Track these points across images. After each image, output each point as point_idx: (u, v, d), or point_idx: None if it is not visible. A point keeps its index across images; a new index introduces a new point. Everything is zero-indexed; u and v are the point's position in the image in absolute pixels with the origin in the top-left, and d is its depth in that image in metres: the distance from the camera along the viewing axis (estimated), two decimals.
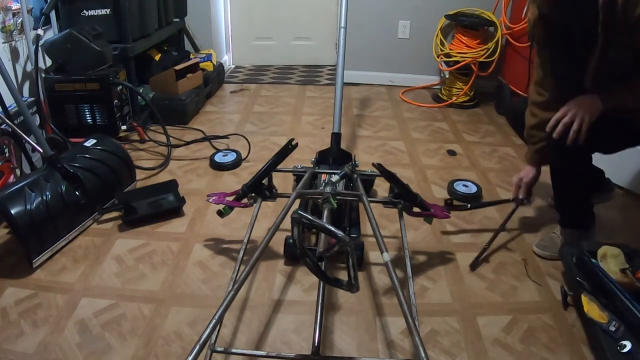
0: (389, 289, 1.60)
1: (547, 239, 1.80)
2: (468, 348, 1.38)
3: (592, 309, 1.37)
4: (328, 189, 1.54)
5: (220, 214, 1.70)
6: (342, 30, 2.76)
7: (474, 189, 2.15)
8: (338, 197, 1.57)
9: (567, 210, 1.78)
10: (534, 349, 1.38)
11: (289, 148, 1.72)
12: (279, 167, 1.75)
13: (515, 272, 1.70)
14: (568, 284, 1.56)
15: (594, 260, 1.50)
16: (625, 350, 1.25)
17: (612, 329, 1.30)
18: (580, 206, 1.75)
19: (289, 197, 1.55)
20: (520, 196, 1.83)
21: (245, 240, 1.58)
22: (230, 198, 1.72)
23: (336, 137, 2.14)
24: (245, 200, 1.73)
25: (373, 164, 1.71)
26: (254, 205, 1.73)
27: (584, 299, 1.41)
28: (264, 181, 1.74)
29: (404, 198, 1.69)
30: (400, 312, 1.49)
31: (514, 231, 1.91)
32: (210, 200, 1.73)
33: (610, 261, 1.50)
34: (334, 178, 1.60)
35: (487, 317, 1.49)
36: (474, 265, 1.71)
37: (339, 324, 1.46)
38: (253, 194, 1.73)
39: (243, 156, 2.44)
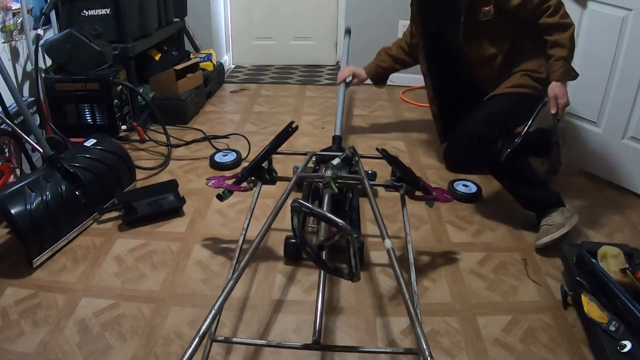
0: (389, 289, 1.60)
1: (541, 231, 1.83)
2: (468, 348, 1.38)
3: (592, 309, 1.37)
4: (329, 173, 1.53)
5: (220, 197, 1.68)
6: (347, 37, 2.90)
7: (474, 188, 2.15)
8: (339, 181, 1.56)
9: (528, 196, 1.90)
10: (534, 349, 1.38)
11: (288, 131, 1.71)
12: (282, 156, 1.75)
13: (515, 272, 1.70)
14: (568, 284, 1.56)
15: (594, 260, 1.50)
16: (625, 350, 1.25)
17: (612, 329, 1.30)
18: (534, 184, 1.89)
19: (289, 180, 1.55)
20: (347, 80, 2.60)
21: (245, 226, 1.58)
22: (230, 182, 1.71)
23: (338, 139, 2.15)
24: (244, 184, 1.72)
25: (377, 149, 1.72)
26: (254, 189, 1.72)
27: (584, 299, 1.41)
28: (263, 165, 1.73)
29: (407, 182, 1.67)
30: (400, 312, 1.50)
31: (514, 231, 1.91)
32: (210, 183, 1.71)
33: (610, 261, 1.50)
34: (335, 161, 1.60)
35: (487, 317, 1.49)
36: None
37: (339, 324, 1.46)
38: (253, 178, 1.72)
39: (243, 156, 2.44)
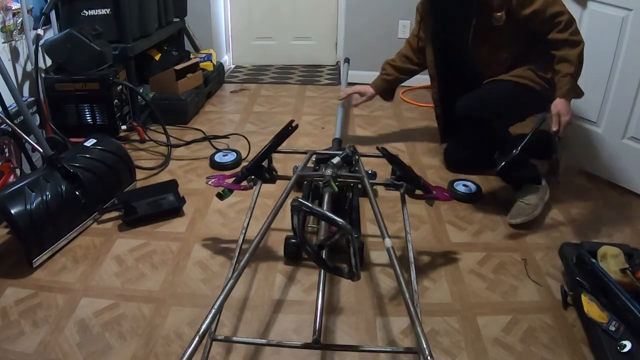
0: (389, 289, 1.60)
1: (516, 208, 1.90)
2: (468, 348, 1.38)
3: (592, 309, 1.37)
4: (329, 172, 1.53)
5: (220, 196, 1.68)
6: (346, 65, 2.96)
7: (474, 188, 2.15)
8: (339, 180, 1.56)
9: (512, 174, 1.95)
10: (534, 349, 1.38)
11: (288, 129, 1.71)
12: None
13: (515, 272, 1.70)
14: (568, 284, 1.56)
15: (594, 260, 1.50)
16: (625, 350, 1.25)
17: (612, 329, 1.30)
18: (518, 162, 1.90)
19: (289, 179, 1.55)
20: (354, 101, 2.57)
21: (245, 226, 1.58)
22: (230, 180, 1.71)
23: (338, 141, 2.16)
24: (244, 183, 1.72)
25: (377, 147, 1.72)
26: (254, 187, 1.73)
27: (584, 299, 1.41)
28: (263, 163, 1.73)
29: (407, 181, 1.67)
30: (400, 312, 1.50)
31: (514, 231, 1.91)
32: (210, 182, 1.71)
33: (610, 261, 1.50)
34: (335, 160, 1.60)
35: (487, 317, 1.49)
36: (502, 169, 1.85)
37: (339, 324, 1.46)
38: (253, 177, 1.72)
39: (243, 156, 2.44)
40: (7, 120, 1.88)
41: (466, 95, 2.02)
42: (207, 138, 2.63)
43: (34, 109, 2.27)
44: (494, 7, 1.91)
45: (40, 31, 2.34)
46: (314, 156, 1.89)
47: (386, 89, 2.53)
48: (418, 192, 1.69)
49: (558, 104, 1.79)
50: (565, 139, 2.21)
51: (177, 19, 3.33)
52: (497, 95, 1.99)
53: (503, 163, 1.84)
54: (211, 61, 3.35)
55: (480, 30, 1.98)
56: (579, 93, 1.87)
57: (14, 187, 1.65)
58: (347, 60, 3.21)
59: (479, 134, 1.97)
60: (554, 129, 1.79)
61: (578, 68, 1.80)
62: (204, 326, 0.95)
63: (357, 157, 1.73)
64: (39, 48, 2.33)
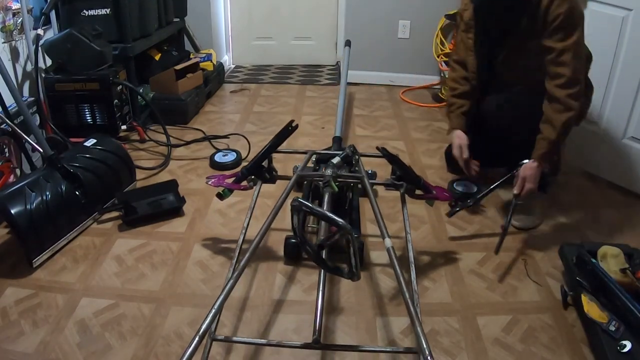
0: (389, 289, 1.60)
1: (519, 211, 1.87)
2: (468, 348, 1.38)
3: (592, 309, 1.37)
4: (329, 172, 1.53)
5: (220, 196, 1.69)
6: (347, 48, 2.89)
7: (474, 188, 2.15)
8: (339, 180, 1.57)
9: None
10: (534, 349, 1.38)
11: (288, 129, 1.72)
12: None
13: (515, 272, 1.70)
14: (568, 284, 1.56)
15: (594, 260, 1.50)
16: (625, 350, 1.25)
17: (612, 329, 1.31)
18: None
19: (289, 179, 1.55)
20: (465, 156, 1.98)
21: (245, 226, 1.58)
22: (230, 180, 1.71)
23: (338, 140, 2.15)
24: (244, 183, 1.72)
25: (377, 147, 1.72)
26: (254, 187, 1.73)
27: (584, 298, 1.41)
28: (263, 163, 1.73)
29: (407, 181, 1.67)
30: (400, 312, 1.50)
31: (514, 231, 1.91)
32: (210, 182, 1.71)
33: (610, 261, 1.50)
34: (335, 160, 1.60)
35: (487, 317, 1.49)
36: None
37: (339, 324, 1.46)
38: (253, 177, 1.72)
39: (243, 156, 2.44)
40: (7, 120, 1.88)
41: (497, 94, 1.96)
42: (207, 138, 2.63)
43: (34, 109, 2.27)
44: (537, 34, 1.74)
45: (40, 31, 2.34)
46: (314, 156, 1.89)
47: (466, 121, 2.10)
48: (418, 192, 1.69)
49: (527, 169, 1.72)
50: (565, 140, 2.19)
51: (177, 19, 3.33)
52: (525, 99, 1.90)
53: (457, 209, 1.86)
54: (211, 61, 3.35)
55: (517, 51, 1.85)
56: (554, 161, 1.78)
57: (14, 187, 1.65)
58: (348, 43, 3.13)
59: (498, 133, 1.91)
60: (515, 192, 1.73)
61: (560, 136, 1.69)
62: (204, 326, 0.96)
63: (357, 157, 1.73)
64: (39, 48, 2.33)
